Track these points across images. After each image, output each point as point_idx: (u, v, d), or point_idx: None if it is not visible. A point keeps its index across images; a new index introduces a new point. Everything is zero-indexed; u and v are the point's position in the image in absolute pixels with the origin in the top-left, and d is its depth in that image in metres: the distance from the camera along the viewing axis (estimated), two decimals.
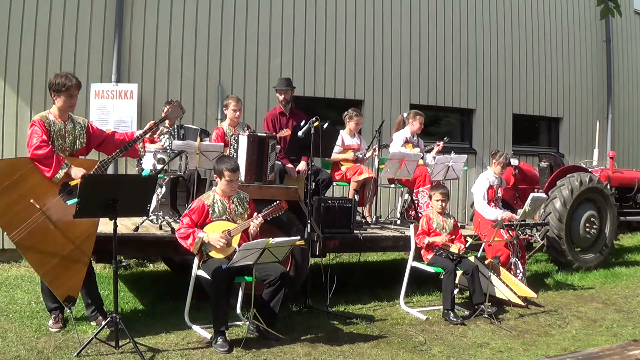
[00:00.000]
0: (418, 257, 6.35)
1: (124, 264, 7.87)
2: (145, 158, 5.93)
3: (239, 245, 4.89)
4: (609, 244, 8.80)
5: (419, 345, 5.06)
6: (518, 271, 6.84)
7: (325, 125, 6.23)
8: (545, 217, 8.11)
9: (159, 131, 5.35)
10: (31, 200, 4.60)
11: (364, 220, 7.36)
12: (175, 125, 6.87)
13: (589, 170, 9.14)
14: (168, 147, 6.13)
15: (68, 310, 4.91)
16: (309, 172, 6.32)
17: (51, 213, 4.67)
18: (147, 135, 5.14)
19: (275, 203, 5.15)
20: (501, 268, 6.62)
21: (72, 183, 4.57)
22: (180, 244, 4.97)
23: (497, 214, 7.02)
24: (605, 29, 13.07)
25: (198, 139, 6.32)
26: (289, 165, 7.06)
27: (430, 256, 6.20)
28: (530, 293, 6.45)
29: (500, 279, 6.44)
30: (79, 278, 4.81)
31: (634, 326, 5.89)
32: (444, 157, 7.79)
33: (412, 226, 6.45)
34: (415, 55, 10.68)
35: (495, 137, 11.53)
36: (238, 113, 6.89)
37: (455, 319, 5.77)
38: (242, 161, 6.01)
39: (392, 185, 7.90)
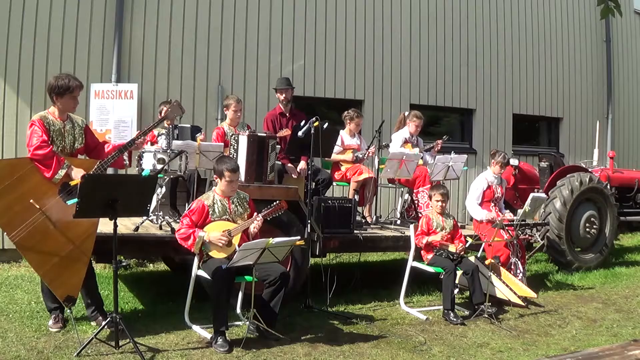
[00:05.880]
0: (418, 257, 6.35)
1: (124, 264, 7.87)
2: (145, 158, 5.93)
3: (239, 245, 4.90)
4: (609, 244, 8.80)
5: (419, 345, 5.06)
6: (518, 271, 6.84)
7: (325, 125, 6.23)
8: (545, 217, 8.11)
9: (143, 143, 5.25)
10: (31, 201, 4.60)
11: (364, 220, 7.35)
12: (170, 126, 6.87)
13: (589, 170, 9.14)
14: (166, 148, 6.11)
15: (68, 310, 4.91)
16: (309, 172, 6.32)
17: (51, 213, 4.67)
18: (130, 146, 5.07)
19: (275, 203, 5.15)
20: (501, 268, 6.62)
21: (72, 183, 4.56)
22: (180, 244, 4.98)
23: (482, 214, 7.04)
24: (605, 29, 13.07)
25: (198, 139, 6.32)
26: (289, 164, 7.07)
27: (430, 256, 6.20)
28: (530, 293, 6.45)
29: (500, 279, 6.44)
30: (79, 278, 4.81)
31: (634, 326, 5.89)
32: (444, 157, 7.79)
33: (412, 226, 6.45)
34: (415, 55, 10.68)
35: (495, 137, 11.53)
36: (239, 114, 6.95)
37: (455, 319, 5.77)
38: (242, 161, 6.01)
39: (392, 185, 7.91)
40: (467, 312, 6.11)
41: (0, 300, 5.97)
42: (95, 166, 4.85)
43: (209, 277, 4.90)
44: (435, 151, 8.15)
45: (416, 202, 7.71)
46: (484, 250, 6.76)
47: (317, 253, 6.09)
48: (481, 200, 7.17)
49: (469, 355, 4.90)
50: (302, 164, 7.02)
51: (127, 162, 5.33)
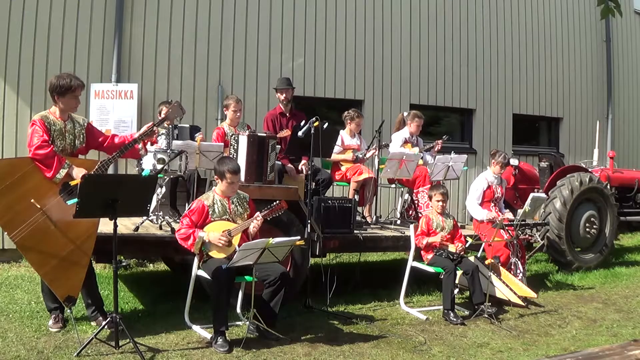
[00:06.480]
0: (418, 257, 6.35)
1: (124, 264, 7.87)
2: (145, 158, 5.93)
3: (239, 245, 4.90)
4: (609, 244, 8.80)
5: (419, 345, 5.06)
6: (518, 271, 6.84)
7: (325, 126, 6.23)
8: (545, 217, 8.11)
9: (155, 134, 5.28)
10: (32, 200, 4.60)
11: (364, 220, 7.35)
12: (170, 126, 6.86)
13: (589, 170, 9.14)
14: (166, 148, 6.11)
15: (68, 310, 4.91)
16: (309, 172, 6.33)
17: (52, 213, 4.67)
18: (145, 138, 5.09)
19: (275, 203, 5.15)
20: (501, 268, 6.62)
21: (73, 183, 4.56)
22: (180, 244, 4.98)
23: (483, 214, 7.05)
24: (605, 29, 13.07)
25: (198, 139, 6.32)
26: (289, 165, 7.06)
27: (430, 256, 6.20)
28: (530, 293, 6.45)
29: (500, 279, 6.44)
30: (79, 278, 4.81)
31: (634, 326, 5.89)
32: (444, 157, 7.79)
33: (412, 226, 6.45)
34: (415, 55, 10.68)
35: (495, 137, 11.53)
36: (239, 114, 6.95)
37: (455, 319, 5.78)
38: (242, 161, 6.01)
39: (392, 185, 7.91)
40: (467, 312, 6.12)
41: (0, 300, 5.97)
42: (97, 166, 4.85)
43: (209, 277, 4.91)
44: (435, 151, 8.16)
45: (416, 202, 7.71)
46: (484, 250, 6.76)
47: (317, 253, 6.09)
48: (481, 200, 7.18)
49: (469, 355, 4.90)
50: (303, 163, 7.00)
51: (143, 150, 5.32)
